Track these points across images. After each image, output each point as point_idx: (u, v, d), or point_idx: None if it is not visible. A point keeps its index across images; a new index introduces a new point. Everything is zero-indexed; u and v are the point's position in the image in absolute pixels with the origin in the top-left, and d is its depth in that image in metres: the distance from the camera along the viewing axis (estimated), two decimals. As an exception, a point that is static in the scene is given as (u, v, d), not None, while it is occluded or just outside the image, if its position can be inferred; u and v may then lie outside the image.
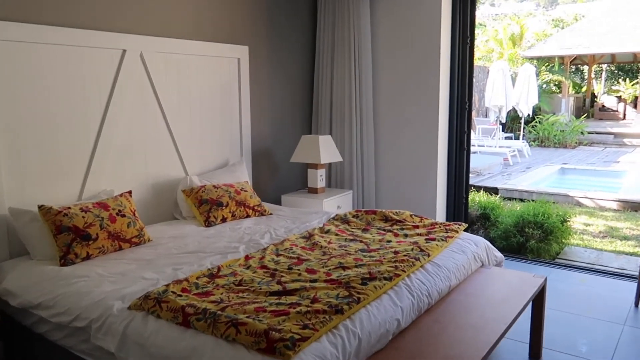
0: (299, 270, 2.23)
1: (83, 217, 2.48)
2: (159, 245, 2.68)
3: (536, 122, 13.13)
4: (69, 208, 2.49)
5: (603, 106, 16.18)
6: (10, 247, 2.56)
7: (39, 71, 2.62)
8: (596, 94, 17.73)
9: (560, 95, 15.03)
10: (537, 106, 13.09)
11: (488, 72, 11.83)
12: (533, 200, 6.47)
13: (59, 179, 2.74)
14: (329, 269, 2.24)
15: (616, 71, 18.84)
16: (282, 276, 2.17)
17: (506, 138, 11.72)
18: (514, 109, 11.48)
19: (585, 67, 17.49)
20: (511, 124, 13.59)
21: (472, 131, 10.89)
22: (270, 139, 4.12)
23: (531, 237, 4.37)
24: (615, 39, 13.57)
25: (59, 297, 2.08)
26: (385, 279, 2.11)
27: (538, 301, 2.61)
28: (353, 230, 2.92)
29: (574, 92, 16.56)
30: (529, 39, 16.88)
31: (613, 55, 15.76)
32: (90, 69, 2.84)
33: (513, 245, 4.41)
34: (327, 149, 3.88)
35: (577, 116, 14.27)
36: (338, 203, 3.97)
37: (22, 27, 2.53)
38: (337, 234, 2.81)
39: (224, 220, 3.15)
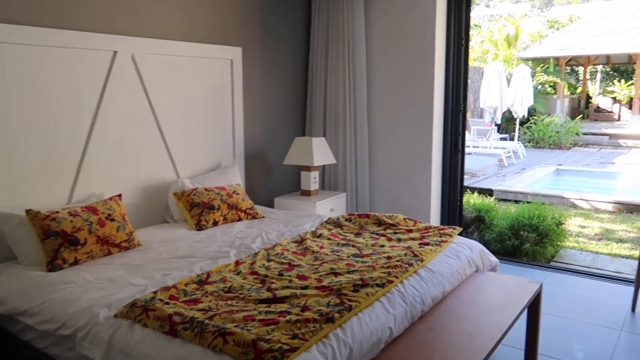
0: (289, 276, 2.19)
1: (71, 221, 2.43)
2: (149, 250, 2.64)
3: (531, 123, 13.15)
4: (57, 212, 2.45)
5: (598, 107, 16.23)
6: (-3, 252, 2.51)
7: (27, 73, 2.57)
8: (591, 95, 17.78)
9: (555, 96, 15.06)
10: (532, 107, 13.10)
11: (483, 73, 11.82)
12: (528, 202, 6.47)
13: (48, 182, 2.69)
14: (321, 275, 2.20)
15: (611, 72, 18.91)
16: (272, 283, 2.13)
17: (501, 139, 11.73)
18: (509, 110, 11.48)
19: (581, 68, 17.54)
20: (506, 125, 13.60)
21: (467, 132, 10.89)
22: (263, 141, 4.08)
23: (526, 240, 4.35)
24: (610, 40, 13.61)
25: (45, 304, 2.03)
26: (377, 285, 2.08)
27: (534, 307, 2.58)
28: (346, 234, 2.88)
29: (569, 93, 16.59)
30: (524, 40, 16.90)
31: (608, 57, 15.80)
32: (81, 71, 2.79)
33: (508, 249, 4.39)
34: (320, 151, 3.84)
35: (572, 117, 14.29)
36: (331, 206, 3.93)
37: (10, 29, 2.48)
38: (329, 238, 2.78)
39: (215, 223, 3.10)
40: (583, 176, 8.95)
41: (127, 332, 1.79)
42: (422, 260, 2.41)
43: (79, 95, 2.80)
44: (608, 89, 18.36)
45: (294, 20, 4.25)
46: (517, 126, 12.42)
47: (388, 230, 2.92)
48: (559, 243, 4.62)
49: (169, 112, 3.28)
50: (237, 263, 2.38)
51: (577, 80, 18.49)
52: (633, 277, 3.74)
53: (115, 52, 2.92)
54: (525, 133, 12.98)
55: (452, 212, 4.21)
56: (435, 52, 3.91)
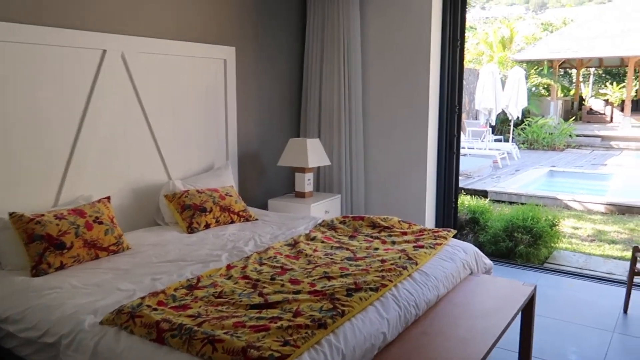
0: (282, 280, 2.15)
1: (57, 224, 2.37)
2: (138, 254, 2.58)
3: (525, 124, 13.19)
4: (42, 215, 2.39)
5: (591, 109, 16.33)
6: (-19, 256, 2.44)
7: (12, 72, 2.50)
8: (584, 97, 17.88)
9: (549, 98, 15.12)
10: (527, 109, 13.15)
11: (478, 75, 11.84)
12: (522, 203, 6.46)
13: (33, 184, 2.63)
14: (314, 279, 2.16)
15: (603, 75, 19.04)
16: (264, 287, 2.09)
17: (496, 140, 11.75)
18: (503, 111, 11.51)
19: (574, 71, 17.64)
20: (501, 126, 13.63)
21: (462, 133, 10.91)
22: (257, 142, 4.03)
23: (520, 241, 4.34)
24: (603, 43, 13.69)
25: (29, 311, 1.97)
26: (371, 289, 2.04)
27: (527, 310, 2.56)
28: (340, 237, 2.84)
29: (562, 95, 16.68)
30: (519, 42, 16.97)
31: (600, 59, 15.89)
32: (69, 69, 2.73)
33: (502, 250, 4.37)
34: (315, 153, 3.80)
35: (566, 119, 14.36)
36: (326, 208, 3.89)
37: (-6, 26, 2.42)
38: (323, 241, 2.73)
39: (207, 226, 3.05)
40: (576, 177, 8.99)
41: (113, 340, 1.74)
42: (416, 264, 2.37)
43: (67, 95, 2.74)
44: (600, 91, 18.48)
45: (288, 20, 4.21)
46: (512, 128, 12.45)
47: (382, 233, 2.88)
48: (552, 244, 4.62)
49: (160, 113, 3.23)
50: (229, 267, 2.33)
51: (571, 82, 18.59)
52: (625, 278, 3.73)
53: (104, 51, 2.86)
54: (519, 134, 13.02)
55: (447, 213, 4.18)
56: (431, 54, 3.89)
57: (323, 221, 3.11)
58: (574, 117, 15.27)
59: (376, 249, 2.60)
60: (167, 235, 2.90)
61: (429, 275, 2.34)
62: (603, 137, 13.15)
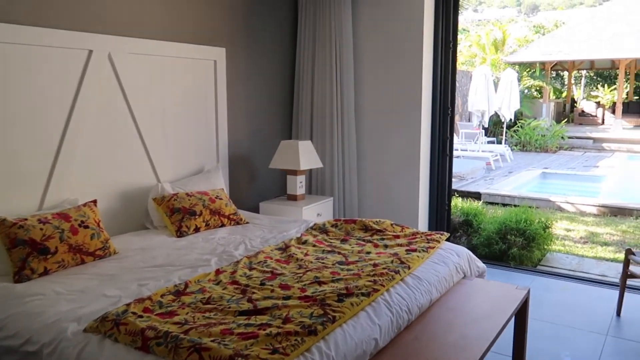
0: (271, 286, 2.11)
1: (41, 229, 2.31)
2: (125, 258, 2.52)
3: (518, 126, 13.23)
4: (26, 220, 2.33)
5: (582, 111, 16.42)
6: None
7: (-5, 72, 2.44)
8: (576, 100, 17.99)
9: (541, 100, 15.19)
10: (519, 111, 13.20)
11: (471, 77, 11.86)
12: (515, 205, 6.46)
13: (17, 188, 2.56)
14: (304, 284, 2.11)
15: (595, 77, 19.16)
16: (253, 293, 2.04)
17: (489, 142, 11.77)
18: (496, 113, 11.54)
19: (566, 73, 17.73)
20: (494, 128, 13.67)
21: (455, 135, 10.92)
22: (248, 144, 3.98)
23: (513, 244, 4.32)
24: (594, 46, 13.77)
25: (10, 318, 1.91)
26: (363, 294, 2.00)
27: (521, 314, 2.53)
28: (331, 240, 2.80)
29: (554, 97, 16.77)
30: (511, 44, 17.05)
31: (592, 62, 16.00)
32: (53, 70, 2.67)
33: (495, 253, 4.35)
34: (306, 155, 3.76)
35: (558, 121, 14.43)
36: (318, 210, 3.85)
37: (-24, 25, 2.36)
38: (314, 245, 2.69)
39: (197, 230, 3.00)
40: (568, 179, 9.02)
41: (97, 348, 1.68)
42: (409, 267, 2.34)
43: (52, 96, 2.68)
44: (592, 93, 18.59)
45: (280, 21, 4.17)
46: (505, 130, 12.48)
47: (375, 236, 2.85)
48: (545, 247, 4.61)
49: (148, 114, 3.17)
50: (218, 272, 2.28)
51: (563, 84, 18.70)
52: (617, 280, 3.72)
53: (90, 51, 2.80)
54: (512, 136, 13.06)
55: (440, 216, 4.16)
56: (423, 56, 3.86)
57: (315, 224, 3.07)
58: (566, 119, 15.35)
59: (368, 252, 2.56)
60: (156, 239, 2.84)
61: (422, 280, 2.31)
62: (595, 139, 13.22)
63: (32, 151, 2.62)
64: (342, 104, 4.06)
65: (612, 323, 3.17)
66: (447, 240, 2.95)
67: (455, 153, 9.95)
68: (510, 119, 11.92)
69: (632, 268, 3.22)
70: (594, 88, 18.91)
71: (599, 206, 6.72)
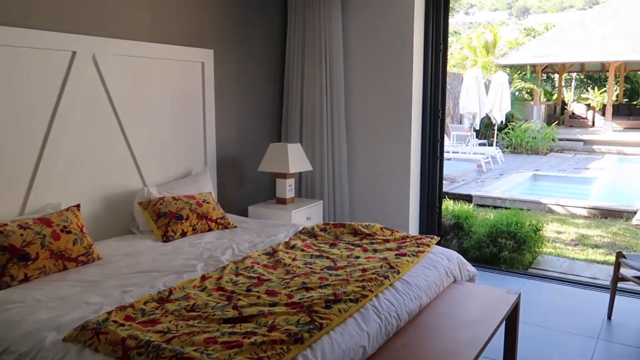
0: (258, 292, 2.06)
1: (21, 234, 2.25)
2: (108, 264, 2.47)
3: (509, 129, 13.29)
4: (6, 225, 2.26)
5: (573, 114, 16.53)
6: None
7: (-25, 74, 2.38)
8: (566, 102, 18.11)
9: (532, 102, 15.27)
10: (510, 113, 13.25)
11: (462, 79, 11.89)
12: (507, 208, 6.46)
13: (-2, 192, 2.50)
14: (291, 291, 2.07)
15: (585, 80, 19.32)
16: (239, 299, 2.00)
17: (480, 144, 11.81)
18: (487, 115, 11.57)
19: (556, 76, 17.86)
20: (485, 130, 13.72)
21: (446, 138, 10.95)
22: (236, 147, 3.93)
23: (504, 247, 4.30)
24: (584, 49, 13.87)
25: (-13, 327, 1.86)
26: (351, 300, 1.96)
27: (512, 318, 2.51)
28: (320, 245, 2.76)
29: (545, 99, 16.87)
30: (502, 47, 17.14)
31: (582, 64, 16.12)
32: (35, 72, 2.61)
33: (486, 256, 4.33)
34: (296, 158, 3.72)
35: (548, 123, 14.52)
36: (308, 214, 3.81)
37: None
38: (303, 250, 2.65)
39: (183, 234, 2.95)
40: (559, 181, 9.06)
41: (76, 359, 1.63)
42: (398, 272, 2.30)
43: (34, 99, 2.62)
44: (582, 95, 18.75)
45: (269, 22, 4.13)
46: (496, 132, 12.53)
47: (364, 241, 2.81)
48: (536, 249, 4.60)
49: (134, 117, 3.12)
50: (203, 278, 2.23)
51: (553, 87, 18.83)
52: (608, 283, 3.72)
53: (74, 53, 2.75)
54: (503, 139, 13.11)
55: (430, 219, 4.13)
56: (414, 58, 3.84)
57: (303, 228, 3.03)
58: (556, 122, 15.45)
59: (357, 257, 2.52)
60: (141, 244, 2.79)
61: (411, 285, 2.28)
62: (585, 141, 13.31)
63: (14, 155, 2.56)
64: (332, 106, 4.03)
65: (603, 327, 3.16)
66: (438, 243, 2.92)
67: (446, 155, 10.00)
68: (501, 121, 11.96)
69: (623, 271, 3.21)
70: (584, 90, 19.07)
71: (589, 208, 6.75)
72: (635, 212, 6.36)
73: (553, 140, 12.93)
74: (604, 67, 15.51)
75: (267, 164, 3.75)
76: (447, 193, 7.12)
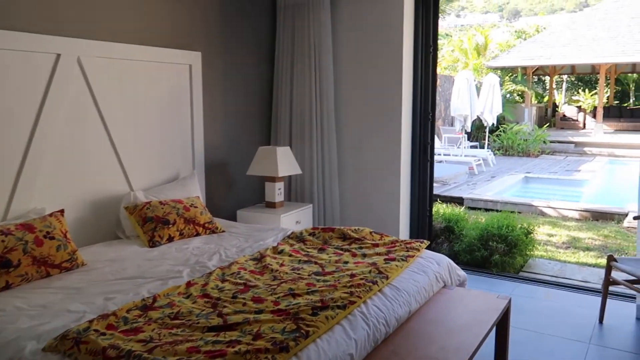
0: (244, 299, 2.02)
1: (3, 240, 2.20)
2: (93, 271, 2.42)
3: (500, 131, 13.34)
4: (-14, 231, 2.21)
5: (564, 116, 16.64)
6: None
7: (-46, 77, 2.33)
8: (557, 104, 18.23)
9: (523, 104, 15.35)
10: (501, 115, 13.31)
11: (454, 82, 11.92)
12: (498, 210, 6.47)
13: (-21, 197, 2.45)
14: (278, 297, 2.04)
15: (576, 82, 19.47)
16: (224, 307, 1.96)
17: (471, 147, 11.83)
18: (479, 118, 11.60)
19: (547, 78, 17.97)
20: (476, 133, 13.76)
21: (438, 140, 10.96)
22: (225, 150, 3.89)
23: (495, 250, 4.29)
24: (575, 51, 13.97)
25: (-36, 337, 1.80)
26: (338, 307, 1.93)
27: (502, 323, 2.49)
28: (308, 250, 2.73)
29: (536, 101, 16.96)
30: (493, 49, 17.22)
31: (573, 67, 16.22)
32: (18, 75, 2.55)
33: (477, 259, 4.32)
34: (285, 161, 3.69)
35: (540, 125, 14.59)
36: (297, 218, 3.78)
37: None
38: (290, 255, 2.62)
39: (170, 239, 2.90)
40: (550, 184, 9.09)
41: (55, 369, 1.59)
42: (387, 278, 2.28)
43: (17, 102, 2.56)
44: (573, 98, 18.88)
45: (258, 25, 4.09)
46: (487, 134, 12.57)
47: (353, 245, 2.78)
48: (527, 253, 4.59)
49: (120, 121, 3.07)
50: (189, 284, 2.19)
51: (544, 89, 18.95)
52: (600, 286, 3.71)
53: (58, 55, 2.70)
54: (494, 141, 13.16)
55: (421, 223, 4.11)
56: (403, 61, 3.82)
57: (292, 233, 3.00)
58: (547, 124, 15.53)
59: (346, 262, 2.50)
60: (127, 249, 2.74)
61: (400, 290, 2.25)
62: (576, 143, 13.38)
63: (-5, 159, 2.50)
64: (321, 109, 4.00)
65: (595, 331, 3.14)
66: (428, 247, 2.90)
67: (438, 158, 10.02)
68: (493, 124, 12.01)
69: (614, 274, 3.20)
70: (575, 93, 19.21)
71: (580, 210, 6.77)
72: (626, 215, 6.39)
73: (544, 142, 12.99)
74: (594, 69, 15.62)
75: (256, 168, 3.71)
76: (438, 196, 7.11)
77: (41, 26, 2.64)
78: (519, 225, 4.54)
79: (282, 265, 2.46)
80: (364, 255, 2.60)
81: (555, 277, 4.29)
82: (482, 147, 12.32)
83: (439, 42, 4.01)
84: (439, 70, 3.61)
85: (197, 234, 3.04)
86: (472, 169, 9.76)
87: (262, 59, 4.15)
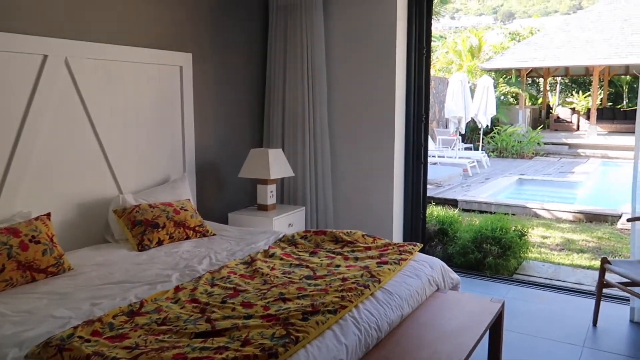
0: (233, 304, 1.99)
1: (-14, 245, 2.15)
2: (79, 275, 2.38)
3: (494, 133, 13.36)
4: (-31, 235, 2.17)
5: (558, 117, 16.70)
6: None
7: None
8: (551, 106, 18.31)
9: (517, 106, 15.39)
10: (495, 117, 13.33)
11: (448, 84, 11.94)
12: (492, 212, 6.45)
13: (-37, 201, 2.40)
14: (268, 302, 2.00)
15: (570, 84, 19.56)
16: (213, 312, 1.92)
17: (466, 149, 11.84)
18: (473, 120, 11.61)
19: (541, 80, 18.04)
20: (470, 134, 13.78)
21: (432, 142, 10.96)
22: (216, 152, 3.85)
23: (489, 253, 4.27)
24: (569, 53, 14.03)
25: (-56, 345, 1.76)
26: (329, 312, 1.90)
27: (496, 327, 2.46)
28: (300, 253, 2.69)
29: (530, 103, 17.02)
30: (487, 51, 17.28)
31: (567, 69, 16.30)
32: (3, 76, 2.51)
33: (471, 262, 4.30)
34: (277, 163, 3.65)
35: (534, 127, 14.63)
36: (290, 221, 3.74)
37: None
38: (282, 258, 2.58)
39: (160, 243, 2.86)
40: (545, 185, 9.09)
41: (36, 378, 1.55)
42: (379, 281, 2.25)
43: (2, 103, 2.52)
44: (567, 99, 18.96)
45: (250, 26, 4.06)
46: (481, 136, 12.58)
47: (345, 248, 2.75)
48: (521, 255, 4.57)
49: (109, 122, 3.03)
50: (177, 289, 2.15)
51: (538, 91, 19.03)
52: (593, 288, 3.70)
53: (45, 56, 2.66)
54: (489, 143, 13.18)
55: (415, 225, 4.09)
56: (396, 63, 3.80)
57: (284, 236, 2.96)
58: (541, 126, 15.59)
59: (337, 266, 2.46)
60: (115, 253, 2.70)
61: (393, 294, 2.22)
62: (570, 145, 13.43)
63: (-20, 162, 2.46)
64: (314, 111, 3.97)
65: (589, 334, 3.13)
66: (422, 250, 2.88)
67: (432, 160, 10.02)
68: (487, 126, 12.02)
69: (608, 277, 3.19)
70: (569, 94, 19.30)
71: (574, 212, 6.77)
72: (619, 216, 6.39)
73: (538, 144, 13.02)
74: (588, 71, 15.70)
75: (247, 170, 3.67)
76: (432, 198, 7.10)
77: (27, 26, 2.60)
78: (513, 228, 4.52)
79: (272, 269, 2.43)
80: (356, 259, 2.57)
81: (549, 279, 4.27)
82: (476, 149, 12.33)
83: (433, 44, 3.98)
84: (433, 72, 3.59)
85: (188, 238, 3.00)
86: (467, 170, 9.75)
87: (254, 60, 4.12)
